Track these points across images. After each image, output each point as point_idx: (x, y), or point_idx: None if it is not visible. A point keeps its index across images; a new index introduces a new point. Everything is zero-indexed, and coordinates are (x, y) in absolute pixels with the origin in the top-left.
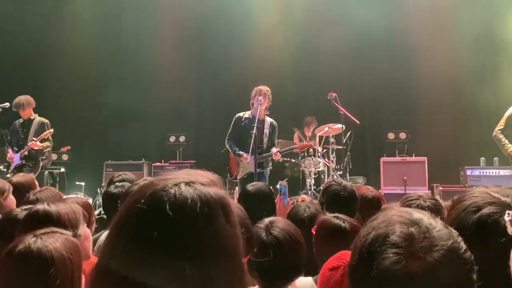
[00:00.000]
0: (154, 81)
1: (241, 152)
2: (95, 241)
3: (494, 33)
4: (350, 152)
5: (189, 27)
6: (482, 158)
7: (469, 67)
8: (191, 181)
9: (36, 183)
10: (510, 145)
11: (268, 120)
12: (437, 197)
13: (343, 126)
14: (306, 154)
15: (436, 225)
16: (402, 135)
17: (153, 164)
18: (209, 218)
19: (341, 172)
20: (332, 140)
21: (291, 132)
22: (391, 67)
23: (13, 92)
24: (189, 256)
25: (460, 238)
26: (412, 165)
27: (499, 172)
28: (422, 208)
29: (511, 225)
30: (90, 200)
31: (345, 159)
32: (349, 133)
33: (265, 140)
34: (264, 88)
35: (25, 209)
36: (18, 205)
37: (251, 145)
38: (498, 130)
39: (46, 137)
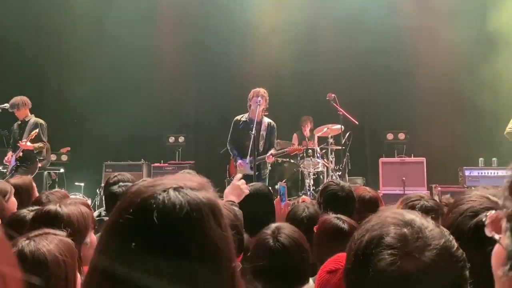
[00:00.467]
0: (153, 81)
1: (237, 158)
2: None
3: (492, 33)
4: (349, 153)
5: (189, 28)
6: (481, 158)
7: (468, 67)
8: (180, 186)
9: (34, 184)
10: None
11: (266, 121)
12: (436, 197)
13: (342, 126)
14: (305, 154)
15: (428, 224)
16: (401, 136)
17: (152, 165)
18: (198, 222)
19: (340, 173)
20: (331, 140)
21: (290, 133)
22: (390, 68)
23: (12, 93)
24: (180, 261)
25: (452, 236)
26: (410, 165)
27: (497, 173)
28: (426, 208)
29: (491, 226)
30: (89, 201)
31: (344, 160)
32: (348, 133)
33: (261, 142)
34: (261, 90)
35: (32, 210)
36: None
37: (250, 147)
38: (509, 128)
39: (33, 137)
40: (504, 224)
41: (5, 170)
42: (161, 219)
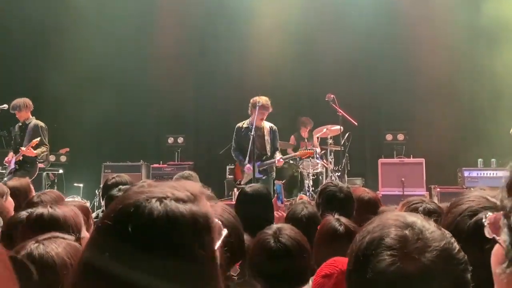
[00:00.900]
0: (152, 82)
1: (245, 163)
2: None
3: (491, 34)
4: (348, 154)
5: (188, 28)
6: (480, 159)
7: (468, 69)
8: (164, 197)
9: (31, 187)
10: None
11: (268, 125)
12: (435, 198)
13: (341, 127)
14: None
15: (429, 227)
16: (400, 137)
17: (151, 166)
18: (173, 235)
19: (339, 173)
20: (330, 141)
21: (290, 134)
22: (389, 69)
23: (10, 93)
24: (150, 273)
25: (454, 239)
26: (410, 166)
27: (496, 173)
28: (428, 211)
29: (491, 229)
30: (88, 203)
31: (343, 161)
32: (347, 134)
33: (268, 147)
34: (265, 98)
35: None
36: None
37: (249, 148)
38: None
39: (35, 144)
40: (501, 221)
41: (4, 171)
42: (135, 229)
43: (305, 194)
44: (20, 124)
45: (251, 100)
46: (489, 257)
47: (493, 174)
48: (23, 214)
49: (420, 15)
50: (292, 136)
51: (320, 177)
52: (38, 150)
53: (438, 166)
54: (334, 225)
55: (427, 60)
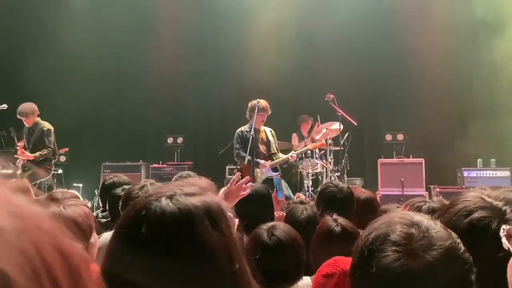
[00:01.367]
0: (152, 82)
1: (258, 160)
2: None
3: (489, 33)
4: (348, 154)
5: (188, 28)
6: (479, 159)
7: (468, 69)
8: (173, 194)
9: (30, 187)
10: None
11: (267, 129)
12: (434, 198)
13: (341, 127)
14: (303, 155)
15: (435, 226)
16: (400, 137)
17: (151, 166)
18: (189, 227)
19: (339, 174)
20: (329, 141)
21: (289, 134)
22: (388, 69)
23: (10, 93)
24: (175, 267)
25: (459, 239)
26: (409, 166)
27: (496, 174)
28: (432, 209)
29: (507, 240)
30: (89, 204)
31: (343, 161)
32: (346, 134)
33: (273, 146)
34: (262, 101)
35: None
36: None
37: (249, 146)
38: None
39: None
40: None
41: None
42: (151, 229)
43: (304, 194)
44: (28, 127)
45: (249, 104)
46: (483, 256)
47: (492, 174)
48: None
49: (420, 15)
50: (294, 134)
51: (320, 177)
52: (37, 153)
53: (437, 166)
54: (331, 225)
55: (427, 60)
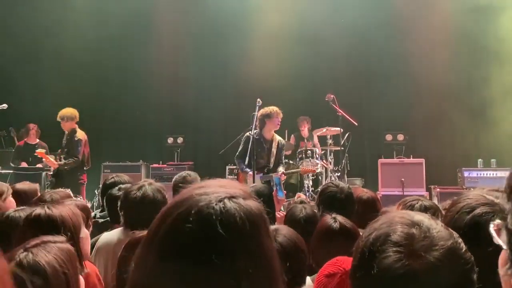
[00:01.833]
0: (152, 82)
1: (247, 170)
2: (92, 245)
3: (489, 33)
4: (348, 154)
5: (188, 29)
6: (480, 159)
7: (468, 69)
8: (233, 196)
9: (38, 192)
10: None
11: (277, 139)
12: (435, 198)
13: (341, 127)
14: (304, 156)
15: (437, 226)
16: (400, 137)
17: (151, 166)
18: (254, 234)
19: (339, 174)
20: (330, 141)
21: (289, 134)
22: (389, 69)
23: (9, 93)
24: (240, 273)
25: (461, 239)
26: (409, 166)
27: (496, 174)
28: (424, 207)
29: (497, 235)
30: (89, 204)
31: (343, 161)
32: (347, 134)
33: (272, 159)
34: (276, 108)
35: (17, 210)
36: None
37: (248, 153)
38: None
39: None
40: (501, 224)
41: (3, 171)
42: (223, 230)
43: (305, 194)
44: (66, 133)
45: (263, 111)
46: (486, 252)
47: (493, 174)
48: (22, 214)
49: (420, 16)
50: (292, 136)
51: (320, 178)
52: (62, 161)
53: (438, 166)
54: (330, 223)
55: (427, 60)
